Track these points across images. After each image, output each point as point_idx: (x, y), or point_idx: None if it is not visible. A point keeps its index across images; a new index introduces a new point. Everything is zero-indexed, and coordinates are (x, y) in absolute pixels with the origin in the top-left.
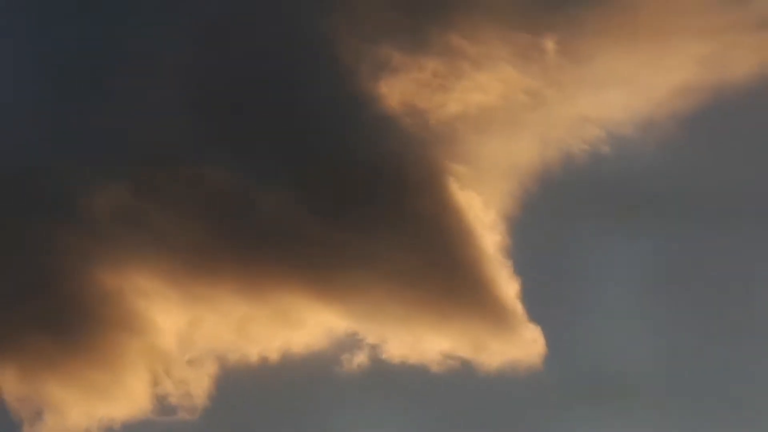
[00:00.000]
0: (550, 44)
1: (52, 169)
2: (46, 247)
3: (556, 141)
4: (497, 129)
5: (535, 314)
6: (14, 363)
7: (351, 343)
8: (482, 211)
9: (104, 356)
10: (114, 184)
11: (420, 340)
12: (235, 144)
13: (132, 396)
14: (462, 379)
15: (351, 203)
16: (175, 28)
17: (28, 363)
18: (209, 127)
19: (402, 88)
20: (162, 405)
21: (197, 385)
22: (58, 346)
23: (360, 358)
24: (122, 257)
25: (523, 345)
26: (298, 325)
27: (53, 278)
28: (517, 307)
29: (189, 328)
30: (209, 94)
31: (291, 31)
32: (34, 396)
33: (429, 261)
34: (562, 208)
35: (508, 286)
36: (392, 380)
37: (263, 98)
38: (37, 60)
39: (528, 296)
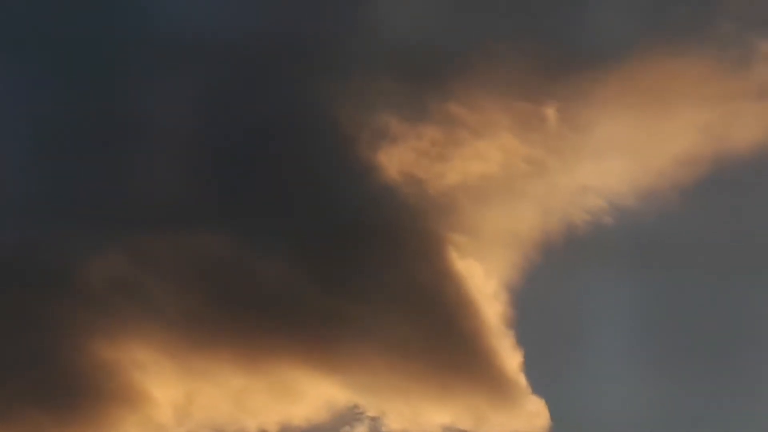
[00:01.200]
0: (550, 112)
1: (47, 240)
2: (40, 318)
3: (557, 210)
4: (497, 198)
5: (538, 386)
6: None
7: (351, 415)
8: (483, 281)
9: (100, 429)
10: (110, 254)
11: (421, 413)
12: (233, 212)
13: None
14: None
15: (351, 273)
16: (175, 95)
17: None
18: (207, 195)
19: (401, 156)
20: None
21: None
22: (53, 419)
23: (360, 431)
24: (118, 328)
25: (526, 417)
26: (297, 398)
27: (48, 350)
28: (520, 378)
29: (186, 400)
30: (207, 161)
31: (290, 99)
32: None
33: (430, 332)
34: (565, 278)
35: (510, 358)
36: None
37: (261, 166)
38: (30, 128)
39: (531, 367)
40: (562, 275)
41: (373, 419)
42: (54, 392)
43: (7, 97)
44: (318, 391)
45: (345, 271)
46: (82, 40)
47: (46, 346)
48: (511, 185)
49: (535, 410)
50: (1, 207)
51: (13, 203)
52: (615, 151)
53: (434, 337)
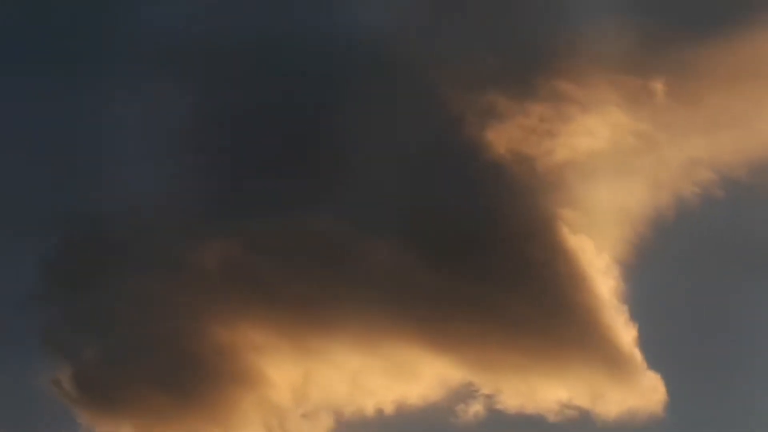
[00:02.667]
0: (659, 86)
1: (163, 227)
2: (160, 304)
3: (667, 184)
4: (607, 173)
5: (654, 361)
6: (130, 420)
7: (466, 393)
8: (595, 256)
9: (220, 411)
10: (222, 240)
11: (536, 390)
12: (343, 195)
13: None
14: (580, 428)
15: (461, 252)
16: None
17: (144, 420)
18: (319, 179)
19: (509, 134)
20: None
21: None
22: (174, 402)
23: (476, 409)
24: (235, 312)
25: (642, 393)
26: (412, 376)
27: (167, 335)
28: (635, 354)
29: (303, 381)
30: (315, 146)
31: (398, 82)
32: None
33: (543, 308)
34: (676, 252)
35: (624, 333)
36: (509, 430)
37: (371, 148)
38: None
39: (646, 343)
40: (673, 249)
41: (488, 397)
42: (173, 376)
43: (137, 104)
44: (433, 370)
45: (458, 251)
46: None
47: (166, 330)
48: (620, 160)
49: (652, 386)
50: (119, 196)
51: (131, 191)
52: (725, 124)
53: (548, 313)
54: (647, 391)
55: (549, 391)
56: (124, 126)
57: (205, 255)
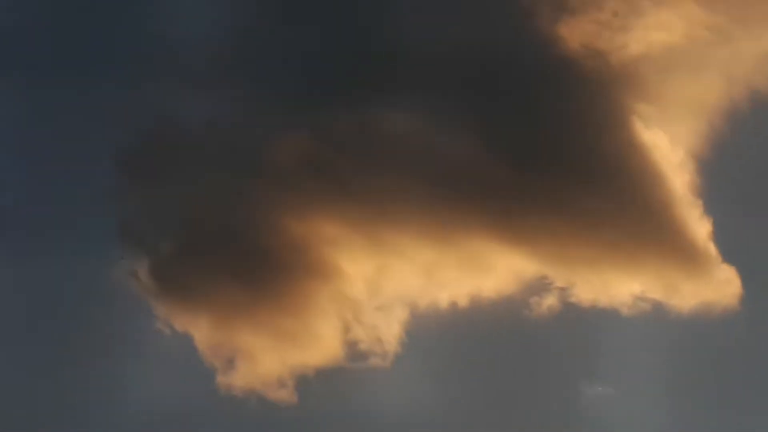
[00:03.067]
0: None
1: (237, 121)
2: (234, 198)
3: (742, 77)
4: (681, 67)
5: (729, 255)
6: (206, 313)
7: (540, 286)
8: (669, 150)
9: (294, 304)
10: (298, 135)
11: (610, 283)
12: (417, 89)
13: (323, 343)
14: (654, 321)
15: (536, 146)
16: None
17: (220, 312)
18: (392, 73)
19: (582, 29)
20: (353, 352)
21: (387, 332)
22: (248, 295)
23: (549, 302)
24: (308, 206)
25: (717, 286)
26: (486, 269)
27: (243, 228)
28: (710, 247)
29: (377, 274)
30: (391, 40)
31: None
32: (227, 345)
33: (617, 202)
34: (751, 146)
35: (699, 227)
36: (582, 323)
37: (444, 44)
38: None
39: (721, 237)
40: (748, 142)
41: (562, 290)
42: (248, 269)
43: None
44: (507, 263)
45: (532, 145)
46: None
47: (242, 224)
48: (694, 54)
49: (726, 278)
50: (193, 91)
51: (203, 86)
52: None
53: (622, 207)
54: (722, 285)
55: (623, 284)
56: (202, 23)
57: (281, 149)
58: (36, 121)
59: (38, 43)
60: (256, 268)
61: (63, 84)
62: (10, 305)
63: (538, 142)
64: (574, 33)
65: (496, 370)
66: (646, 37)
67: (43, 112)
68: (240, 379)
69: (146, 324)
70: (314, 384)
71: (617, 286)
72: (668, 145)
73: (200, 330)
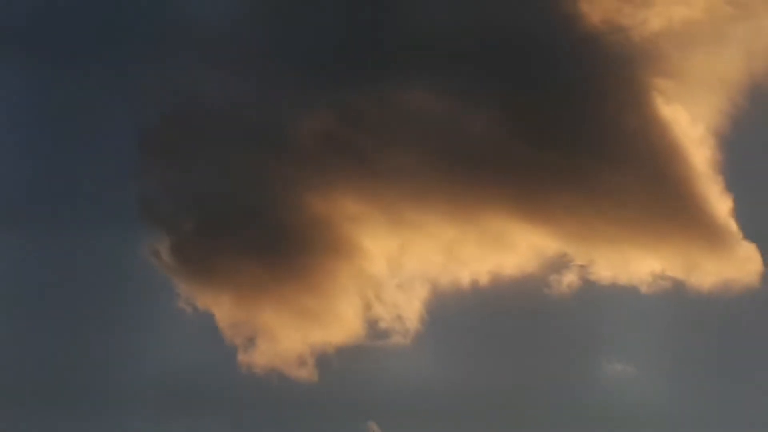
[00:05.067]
0: None
1: (259, 99)
2: (256, 176)
3: (763, 53)
4: (702, 42)
5: (750, 232)
6: (228, 290)
7: (560, 264)
8: (690, 126)
9: (315, 281)
10: (320, 112)
11: (630, 261)
12: (440, 67)
13: (344, 321)
14: (674, 299)
15: (557, 123)
16: None
17: (241, 290)
18: (414, 51)
19: (603, 5)
20: (374, 330)
21: (408, 309)
22: (270, 273)
23: (569, 279)
24: (330, 183)
25: (737, 263)
26: (507, 247)
27: (264, 206)
28: (731, 224)
29: (398, 252)
30: (411, 19)
31: None
32: (248, 322)
33: (637, 179)
34: None
35: (720, 204)
36: (602, 301)
37: (465, 21)
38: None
39: (742, 213)
40: None
41: (582, 267)
42: (270, 247)
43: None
44: (527, 241)
45: (553, 122)
46: None
47: (264, 201)
48: (715, 29)
49: (747, 256)
50: (215, 71)
51: (225, 65)
52: None
53: (642, 184)
54: (743, 262)
55: (643, 262)
56: (225, 3)
57: (303, 127)
58: (61, 99)
59: (65, 24)
60: (278, 246)
61: (88, 63)
62: (34, 279)
63: (558, 119)
64: (595, 9)
65: (516, 348)
66: (667, 12)
67: (69, 91)
68: (261, 357)
69: (168, 302)
70: (335, 362)
71: (637, 263)
72: (689, 122)
73: (222, 308)
